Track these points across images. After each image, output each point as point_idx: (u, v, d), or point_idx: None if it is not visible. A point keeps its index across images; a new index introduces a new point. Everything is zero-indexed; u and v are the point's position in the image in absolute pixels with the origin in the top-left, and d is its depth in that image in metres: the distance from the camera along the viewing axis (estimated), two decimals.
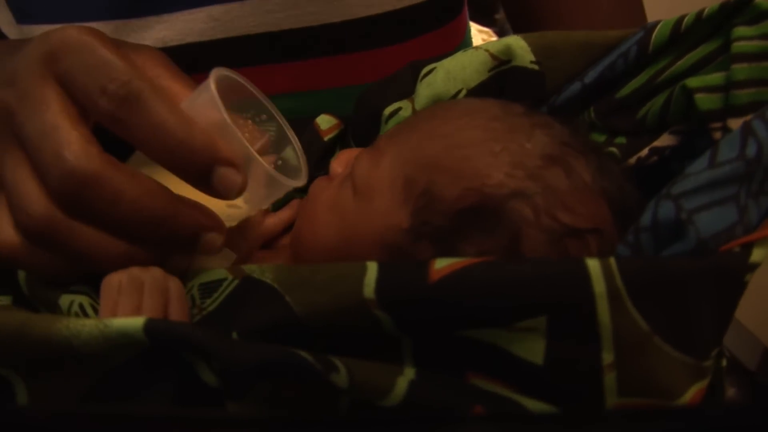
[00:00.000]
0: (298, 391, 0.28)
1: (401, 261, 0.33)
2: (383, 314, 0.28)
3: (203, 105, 0.33)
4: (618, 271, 0.27)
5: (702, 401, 0.28)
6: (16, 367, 0.30)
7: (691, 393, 0.28)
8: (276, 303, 0.30)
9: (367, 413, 0.28)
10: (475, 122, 0.36)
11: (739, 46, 0.35)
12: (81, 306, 0.34)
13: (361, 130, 0.47)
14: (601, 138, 0.40)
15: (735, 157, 0.30)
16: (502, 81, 0.42)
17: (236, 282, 0.33)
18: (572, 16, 0.57)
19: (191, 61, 0.49)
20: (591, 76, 0.40)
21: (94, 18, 0.49)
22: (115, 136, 0.32)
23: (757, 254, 0.28)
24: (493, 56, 0.42)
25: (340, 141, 0.49)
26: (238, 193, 0.33)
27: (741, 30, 0.35)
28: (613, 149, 0.40)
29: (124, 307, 0.31)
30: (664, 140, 0.38)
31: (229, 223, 0.36)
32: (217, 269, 0.34)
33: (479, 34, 1.45)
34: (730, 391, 0.30)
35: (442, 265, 0.28)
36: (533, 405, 0.28)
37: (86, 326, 0.29)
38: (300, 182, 0.35)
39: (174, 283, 0.33)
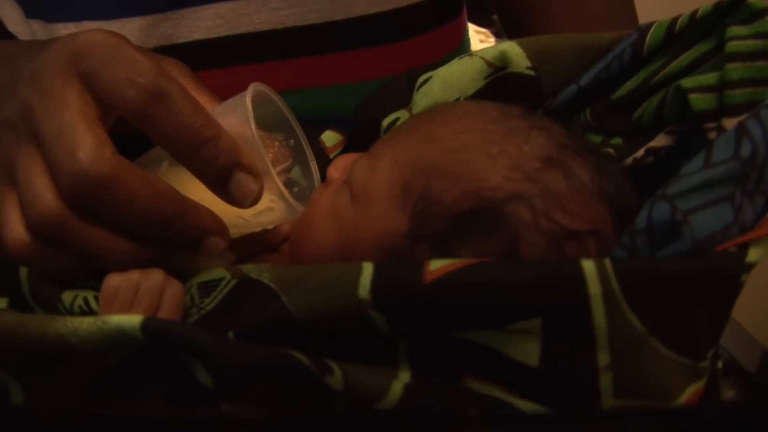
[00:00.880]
0: (293, 392, 0.28)
1: (394, 261, 0.33)
2: (378, 315, 0.28)
3: (234, 116, 0.33)
4: (613, 273, 0.26)
5: (698, 402, 0.28)
6: (11, 367, 0.30)
7: (688, 394, 0.28)
8: (272, 303, 0.30)
9: (362, 415, 0.28)
10: (473, 125, 0.35)
11: (732, 45, 0.35)
12: (85, 300, 0.34)
13: (360, 140, 0.47)
14: (597, 139, 0.40)
15: (730, 158, 0.30)
16: (498, 88, 0.42)
17: (234, 282, 0.33)
18: (563, 17, 0.57)
19: (197, 58, 0.49)
20: (586, 78, 0.40)
21: (100, 17, 0.49)
22: (129, 137, 0.33)
23: (753, 254, 0.28)
24: (488, 63, 0.42)
25: (342, 152, 0.49)
26: (253, 201, 0.33)
27: (735, 30, 0.35)
28: (610, 150, 0.39)
29: (118, 312, 0.31)
30: (660, 141, 0.38)
31: (233, 232, 0.36)
32: (216, 268, 0.34)
33: (476, 35, 1.45)
34: (730, 393, 0.30)
35: (436, 266, 0.28)
36: (528, 407, 0.28)
37: (84, 323, 0.29)
38: None
39: (171, 290, 0.33)
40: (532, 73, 0.41)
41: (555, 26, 0.58)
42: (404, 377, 0.28)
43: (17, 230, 0.32)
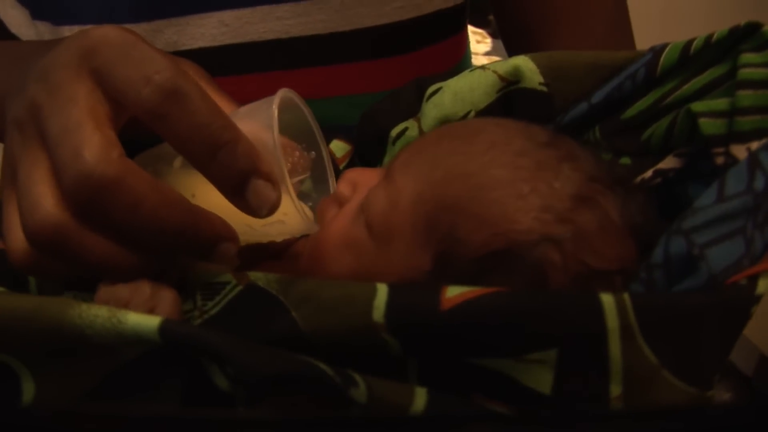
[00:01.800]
0: (313, 401, 0.28)
1: (409, 284, 0.33)
2: (391, 338, 0.28)
3: (257, 120, 0.32)
4: (632, 307, 0.27)
5: None
6: (25, 355, 0.29)
7: None
8: (282, 317, 0.30)
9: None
10: (502, 158, 0.35)
11: (745, 72, 0.35)
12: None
13: (367, 149, 0.47)
14: (606, 158, 0.41)
15: (743, 191, 0.30)
16: (509, 102, 0.42)
17: (239, 288, 0.32)
18: (565, 41, 0.57)
19: (202, 65, 0.48)
20: (598, 96, 0.40)
21: (102, 20, 0.49)
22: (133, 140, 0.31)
23: (762, 285, 0.28)
24: (501, 77, 0.42)
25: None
26: (270, 211, 0.31)
27: (747, 57, 0.35)
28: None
29: None
30: (669, 162, 0.38)
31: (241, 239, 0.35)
32: (221, 271, 0.34)
33: (473, 36, 1.45)
34: (727, 396, 0.31)
35: (454, 293, 0.27)
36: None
37: (99, 317, 0.28)
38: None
39: (163, 302, 0.32)
40: (544, 89, 0.41)
41: (556, 47, 0.58)
42: (422, 392, 0.28)
43: (18, 237, 0.31)
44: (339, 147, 0.48)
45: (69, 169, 0.29)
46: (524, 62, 0.41)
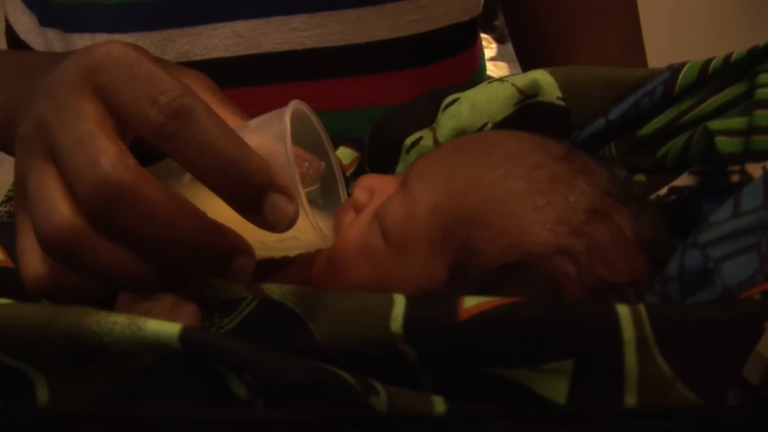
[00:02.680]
0: (332, 410, 0.28)
1: (426, 296, 0.33)
2: (409, 348, 0.28)
3: (268, 132, 0.32)
4: (647, 319, 0.27)
5: None
6: (40, 362, 0.29)
7: None
8: (298, 329, 0.30)
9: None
10: (518, 171, 0.35)
11: (762, 92, 0.36)
12: None
13: (379, 156, 0.47)
14: (621, 174, 0.41)
15: (759, 207, 0.30)
16: (526, 115, 0.42)
17: (255, 302, 0.32)
18: (579, 58, 0.58)
19: (215, 76, 0.49)
20: (615, 113, 0.40)
21: (116, 29, 0.49)
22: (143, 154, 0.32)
23: None
24: (519, 90, 0.42)
25: (356, 169, 0.49)
26: (289, 225, 0.31)
27: (765, 77, 0.36)
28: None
29: None
30: (684, 180, 0.38)
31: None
32: (236, 286, 0.34)
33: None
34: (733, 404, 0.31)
35: (471, 303, 0.28)
36: None
37: (118, 324, 0.28)
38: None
39: (182, 320, 0.32)
40: (562, 103, 0.42)
41: (569, 64, 0.58)
42: (439, 401, 0.29)
43: (33, 260, 0.31)
44: (346, 154, 0.48)
45: (85, 176, 0.29)
46: (543, 76, 0.42)
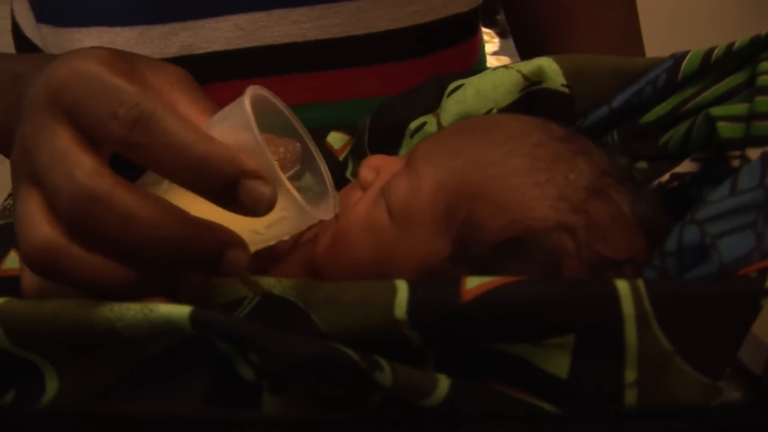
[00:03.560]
0: (337, 387, 0.29)
1: (428, 279, 0.34)
2: (414, 332, 0.29)
3: (233, 122, 0.32)
4: (646, 294, 0.28)
5: None
6: (50, 352, 0.30)
7: None
8: (301, 321, 0.31)
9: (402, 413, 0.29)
10: (520, 149, 0.36)
11: (764, 80, 0.37)
12: None
13: (381, 140, 0.48)
14: (623, 161, 0.42)
15: (755, 186, 0.31)
16: (531, 101, 0.43)
17: (257, 299, 0.33)
18: (576, 47, 0.59)
19: (216, 69, 0.50)
20: (619, 100, 0.41)
21: (119, 23, 0.50)
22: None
23: None
24: (524, 77, 0.43)
25: (353, 152, 0.50)
26: (268, 207, 0.30)
27: (766, 65, 0.37)
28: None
29: None
30: (685, 167, 0.39)
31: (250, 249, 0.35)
32: (236, 286, 0.34)
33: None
34: (736, 395, 0.32)
35: (473, 284, 0.29)
36: (553, 410, 0.29)
37: (131, 309, 0.29)
38: (328, 214, 0.34)
39: None
40: (566, 90, 0.42)
41: (567, 53, 0.59)
42: (444, 378, 0.29)
43: (26, 277, 0.32)
44: (337, 138, 0.49)
45: (63, 190, 0.30)
46: (548, 63, 0.43)
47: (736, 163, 0.37)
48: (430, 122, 0.46)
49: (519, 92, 0.44)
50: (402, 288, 0.29)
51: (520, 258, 0.34)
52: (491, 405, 0.29)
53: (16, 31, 0.59)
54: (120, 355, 0.30)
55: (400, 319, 0.29)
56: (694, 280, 0.30)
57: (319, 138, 0.49)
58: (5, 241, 0.40)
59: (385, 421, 0.29)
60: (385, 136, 0.48)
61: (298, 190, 0.33)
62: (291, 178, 0.35)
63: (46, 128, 0.31)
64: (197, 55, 0.50)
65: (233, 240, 0.31)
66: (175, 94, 0.36)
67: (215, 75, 0.50)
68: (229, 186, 0.30)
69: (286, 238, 0.36)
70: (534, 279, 0.29)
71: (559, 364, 0.29)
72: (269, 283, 0.33)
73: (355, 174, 0.48)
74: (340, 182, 0.47)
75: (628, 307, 0.28)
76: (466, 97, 0.44)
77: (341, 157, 0.48)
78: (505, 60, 1.99)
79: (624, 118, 0.42)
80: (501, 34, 2.06)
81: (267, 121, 0.35)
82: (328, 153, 0.48)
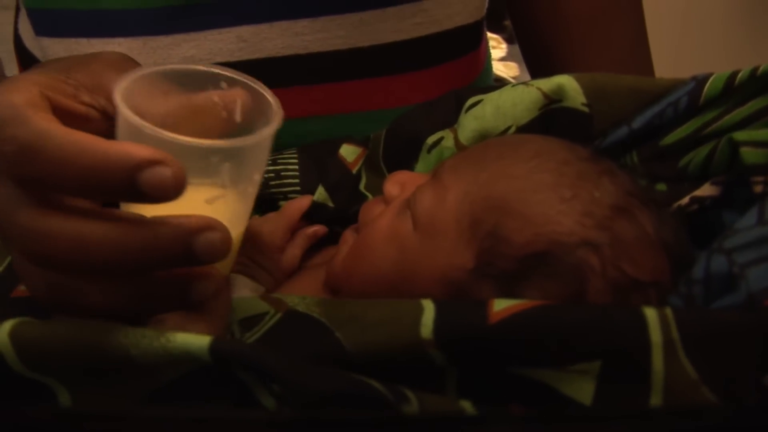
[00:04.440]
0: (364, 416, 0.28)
1: (458, 299, 0.34)
2: (439, 353, 0.29)
3: (118, 118, 0.31)
4: (674, 322, 0.28)
5: None
6: (64, 376, 0.30)
7: None
8: (326, 338, 0.31)
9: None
10: (546, 165, 0.37)
11: None
12: None
13: (396, 153, 0.48)
14: (642, 183, 0.41)
15: None
16: (550, 119, 0.43)
17: (279, 315, 0.33)
18: (586, 64, 0.59)
19: None
20: (639, 121, 0.42)
21: (123, 34, 0.50)
22: None
23: None
24: (544, 95, 0.43)
25: (366, 164, 0.50)
26: (175, 189, 0.28)
27: None
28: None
29: None
30: (706, 190, 0.39)
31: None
32: (257, 302, 0.34)
33: (488, 41, 1.47)
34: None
35: (501, 306, 0.29)
36: None
37: (146, 337, 0.29)
38: (271, 127, 0.32)
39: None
40: (586, 109, 0.42)
41: (578, 66, 0.59)
42: (468, 407, 0.29)
43: (33, 275, 0.31)
44: (350, 151, 0.49)
45: (11, 240, 0.29)
46: (568, 81, 0.43)
47: (759, 188, 0.36)
48: (447, 137, 0.46)
49: (538, 110, 0.44)
50: (429, 307, 0.29)
51: (544, 273, 0.34)
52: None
53: (18, 42, 0.59)
54: (134, 381, 0.30)
55: (426, 339, 0.29)
56: (721, 310, 0.30)
57: (332, 151, 0.49)
58: None
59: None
60: (400, 150, 0.48)
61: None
62: (245, 131, 0.33)
63: None
64: None
65: (196, 225, 0.29)
66: (108, 74, 0.34)
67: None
68: (128, 183, 0.28)
69: (233, 213, 0.34)
70: (561, 304, 0.29)
71: (583, 390, 0.29)
72: (293, 300, 0.33)
73: (369, 187, 0.48)
74: (355, 196, 0.47)
75: (655, 334, 0.28)
76: (485, 113, 0.44)
77: (354, 170, 0.49)
78: (512, 65, 1.99)
79: (644, 139, 0.42)
80: (508, 40, 2.06)
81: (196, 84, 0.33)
82: (341, 166, 0.48)
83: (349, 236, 0.43)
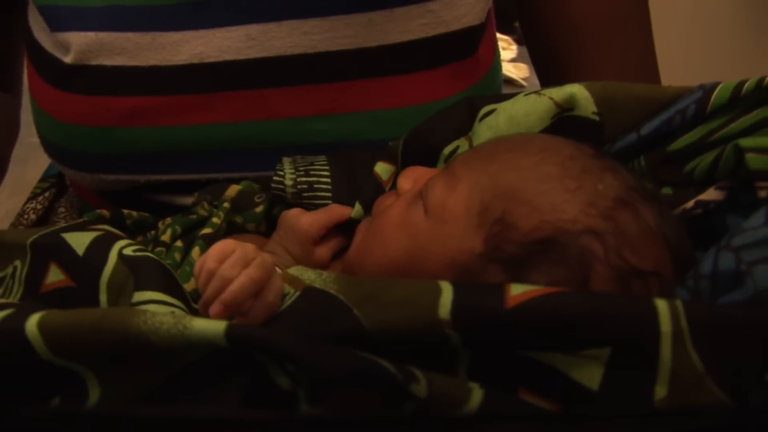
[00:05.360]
0: (371, 396, 0.29)
1: (472, 282, 0.35)
2: (455, 333, 0.30)
3: None
4: (684, 314, 0.29)
5: None
6: (91, 362, 0.31)
7: None
8: (344, 315, 0.32)
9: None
10: (553, 159, 0.39)
11: None
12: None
13: (414, 163, 0.49)
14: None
15: None
16: (561, 127, 0.45)
17: (297, 293, 0.34)
18: (594, 73, 0.60)
19: (227, 78, 0.51)
20: (647, 128, 0.43)
21: (132, 29, 0.51)
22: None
23: None
24: (556, 104, 0.45)
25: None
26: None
27: None
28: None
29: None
30: (710, 194, 0.41)
31: None
32: None
33: (498, 42, 1.48)
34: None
35: (518, 291, 0.30)
36: None
37: (165, 324, 0.30)
38: None
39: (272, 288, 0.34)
40: (596, 118, 0.44)
41: (585, 71, 0.61)
42: (477, 389, 0.30)
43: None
44: (384, 169, 0.50)
45: None
46: (579, 91, 0.44)
47: (763, 193, 0.38)
48: (462, 146, 0.48)
49: (550, 119, 0.45)
50: (446, 289, 0.31)
51: (550, 258, 0.35)
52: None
53: (29, 32, 0.59)
54: (157, 364, 0.31)
55: (444, 319, 0.30)
56: (730, 305, 0.31)
57: (363, 164, 0.50)
58: (43, 255, 0.41)
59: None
60: (417, 161, 0.49)
61: None
62: None
63: None
64: (208, 64, 0.51)
65: None
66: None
67: (226, 84, 0.52)
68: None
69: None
70: (576, 291, 0.30)
71: (591, 375, 0.30)
72: (310, 276, 0.34)
73: None
74: None
75: (665, 324, 0.29)
76: (499, 122, 0.46)
77: (387, 188, 0.50)
78: (522, 66, 2.01)
79: (652, 145, 0.44)
80: (519, 41, 2.06)
81: None
82: (376, 183, 0.49)
83: (363, 227, 0.44)
